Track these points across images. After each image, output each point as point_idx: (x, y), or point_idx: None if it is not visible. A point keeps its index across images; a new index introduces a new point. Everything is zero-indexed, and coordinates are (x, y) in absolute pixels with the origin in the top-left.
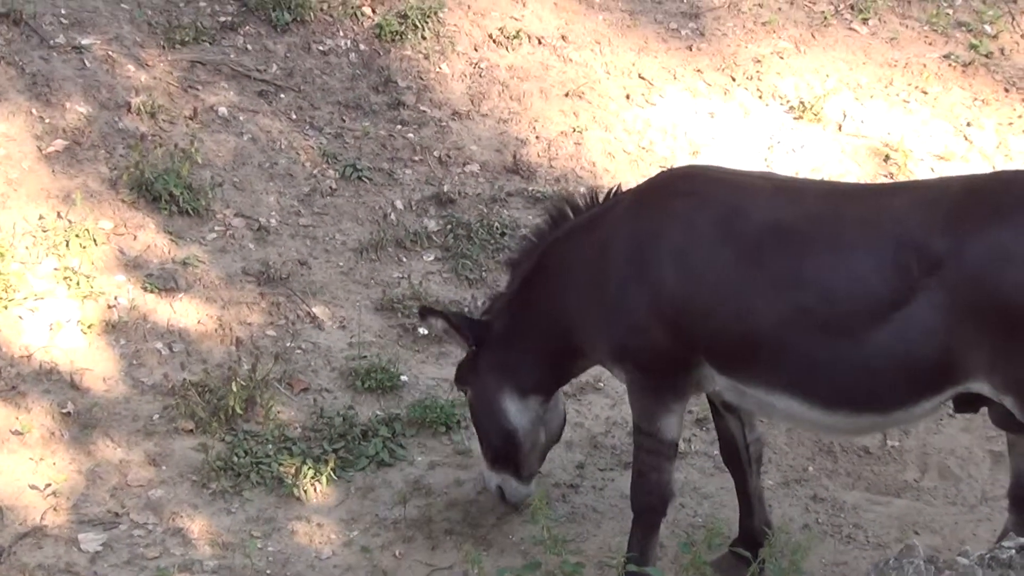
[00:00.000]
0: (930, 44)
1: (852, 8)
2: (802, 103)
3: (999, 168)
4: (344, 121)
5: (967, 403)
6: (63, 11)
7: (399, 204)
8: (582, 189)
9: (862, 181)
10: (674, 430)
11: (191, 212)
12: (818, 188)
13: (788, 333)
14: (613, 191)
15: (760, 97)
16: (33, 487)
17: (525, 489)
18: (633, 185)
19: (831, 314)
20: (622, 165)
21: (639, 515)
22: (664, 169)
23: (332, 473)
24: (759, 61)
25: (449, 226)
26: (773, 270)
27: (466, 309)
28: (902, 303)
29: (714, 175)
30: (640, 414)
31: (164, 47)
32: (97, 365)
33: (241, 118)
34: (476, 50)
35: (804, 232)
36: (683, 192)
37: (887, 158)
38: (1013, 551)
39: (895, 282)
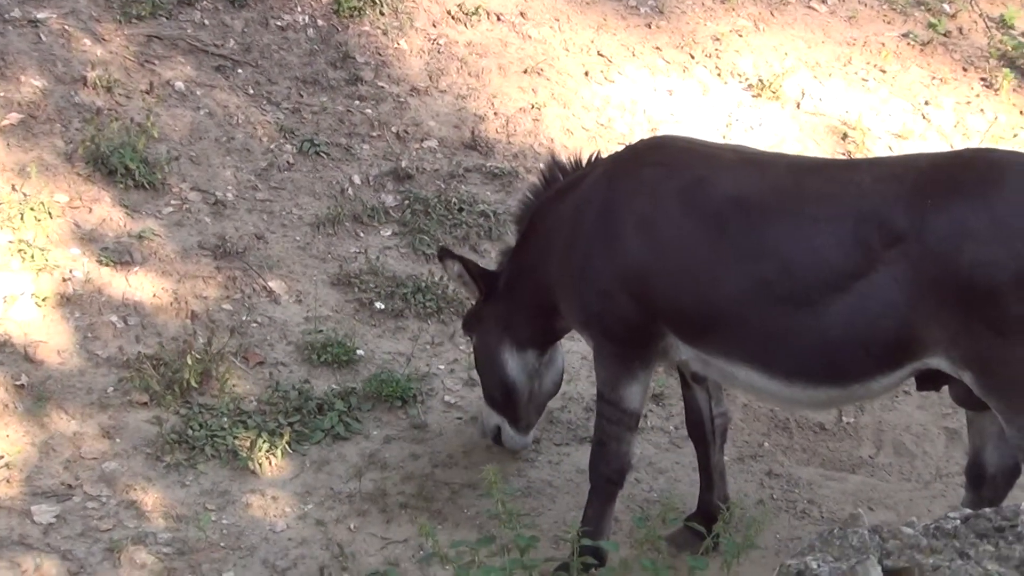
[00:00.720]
0: (889, 23)
1: None
2: (761, 81)
3: (957, 147)
4: (302, 96)
5: (929, 381)
6: None
7: (357, 179)
8: (540, 166)
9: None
10: (637, 400)
11: (147, 186)
12: (785, 161)
13: (748, 304)
14: (593, 156)
15: (719, 75)
16: None
17: (520, 439)
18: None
19: (791, 286)
20: (581, 142)
21: (596, 486)
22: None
23: (287, 446)
24: (718, 39)
25: (407, 201)
26: (734, 241)
27: (423, 284)
28: (862, 276)
29: (685, 146)
30: (604, 382)
31: (120, 21)
32: (51, 338)
33: (198, 93)
34: (435, 26)
35: (767, 204)
36: (652, 162)
37: (845, 136)
38: (958, 521)
39: (856, 255)
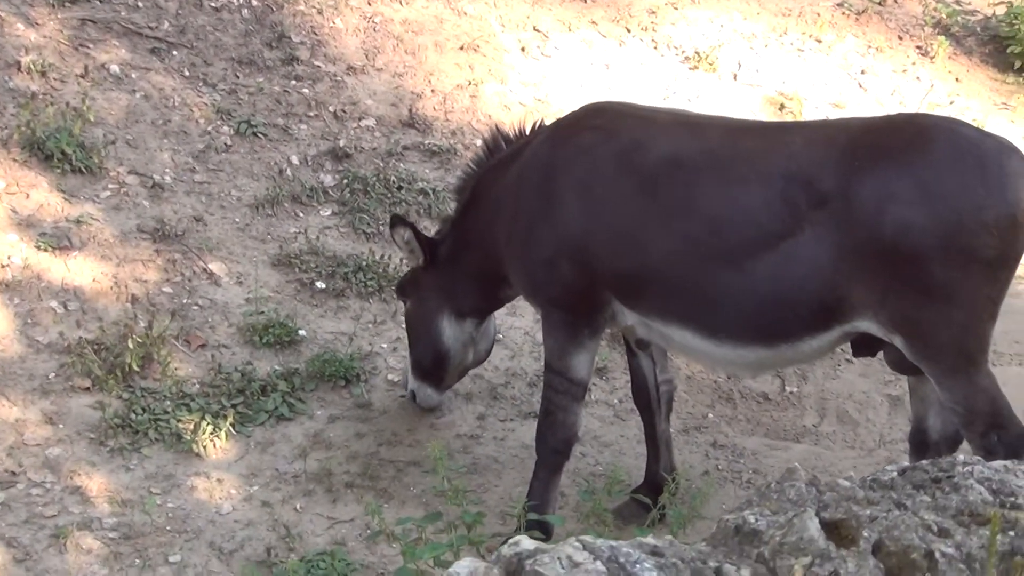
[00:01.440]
0: None
1: None
2: (697, 53)
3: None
4: (238, 77)
5: (865, 346)
6: None
7: (295, 159)
8: (478, 142)
9: None
10: (584, 369)
11: (84, 170)
12: (722, 124)
13: (679, 263)
14: (537, 123)
15: (655, 47)
16: None
17: (437, 397)
18: None
19: (719, 244)
20: (518, 117)
21: (543, 457)
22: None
23: (231, 428)
24: (654, 12)
25: (345, 181)
26: (666, 202)
27: (364, 263)
28: (789, 236)
29: (624, 110)
30: (552, 351)
31: (54, 5)
32: None
33: (133, 76)
34: (370, 4)
35: (698, 164)
36: (591, 126)
37: (782, 106)
38: (895, 473)
39: (783, 215)
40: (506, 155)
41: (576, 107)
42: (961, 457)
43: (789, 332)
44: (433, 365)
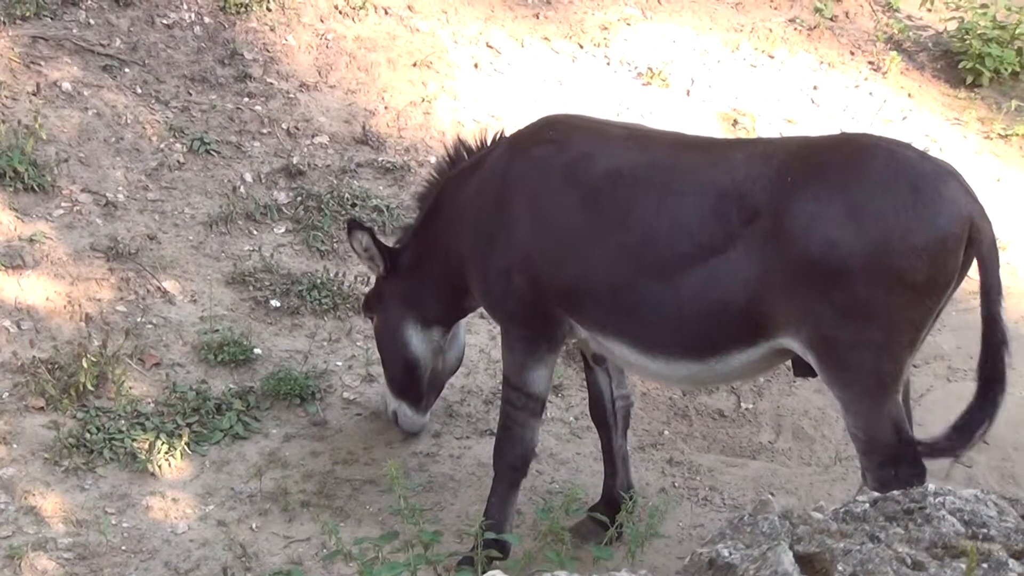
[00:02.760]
0: (775, 8)
1: None
2: (650, 69)
3: (845, 130)
4: (191, 95)
5: (805, 366)
6: None
7: (248, 177)
8: (432, 159)
9: None
10: (542, 384)
11: (37, 188)
12: (669, 139)
13: (615, 277)
14: (498, 135)
15: (608, 63)
16: None
17: (420, 419)
18: None
19: (652, 257)
20: (472, 133)
21: (500, 473)
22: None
23: (186, 447)
24: (606, 28)
25: (299, 198)
26: (606, 214)
27: (319, 280)
28: (720, 251)
29: (577, 123)
30: (510, 365)
31: (4, 22)
32: None
33: (85, 93)
34: (322, 21)
35: (638, 178)
36: (545, 140)
37: (735, 122)
38: (867, 504)
39: (714, 230)
40: (467, 165)
41: (530, 122)
42: (932, 487)
43: (716, 347)
44: (405, 377)
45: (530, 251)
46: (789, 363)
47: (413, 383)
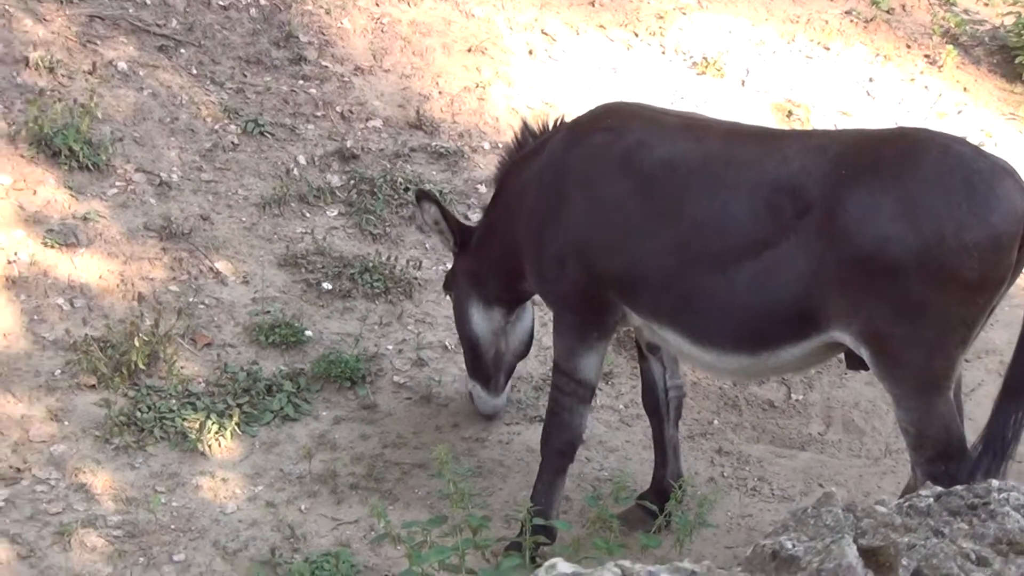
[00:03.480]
0: (832, 0)
1: None
2: (705, 58)
3: (901, 124)
4: (245, 76)
5: (858, 359)
6: None
7: (302, 159)
8: (485, 144)
9: None
10: (592, 371)
11: (91, 167)
12: (724, 129)
13: (669, 266)
14: (559, 120)
15: (663, 52)
16: None
17: (493, 401)
18: None
19: (704, 249)
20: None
21: (547, 459)
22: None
23: (236, 428)
24: (662, 16)
25: (352, 181)
26: (659, 204)
27: (371, 264)
28: (773, 244)
29: (635, 111)
30: (560, 351)
31: (62, 2)
32: None
33: (141, 73)
34: (378, 5)
35: (693, 168)
36: (603, 127)
37: (790, 113)
38: (931, 499)
39: (767, 223)
40: (530, 150)
41: (585, 110)
42: (995, 483)
43: (768, 340)
44: (471, 356)
45: (584, 237)
46: (842, 356)
47: (479, 362)
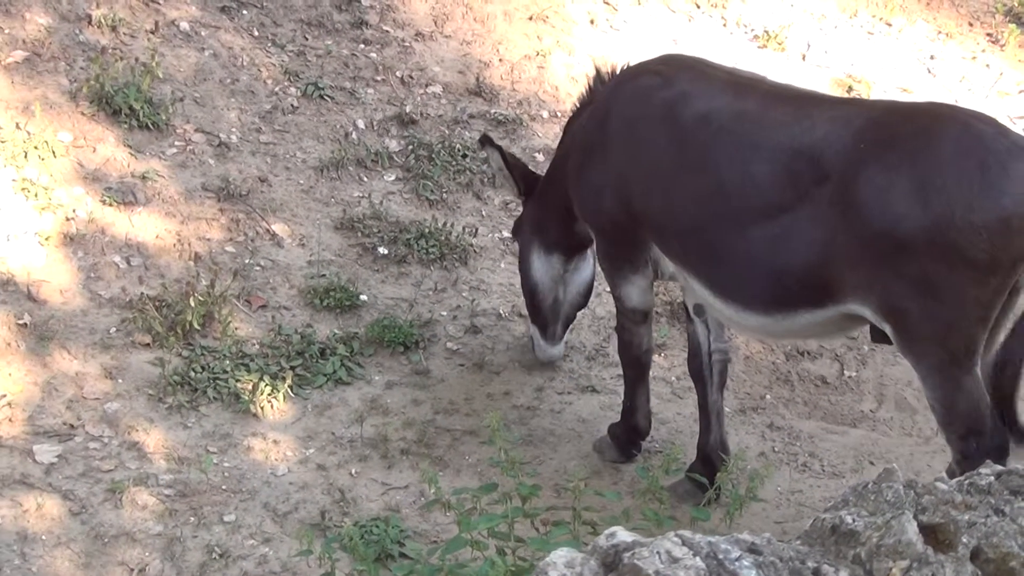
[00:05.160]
0: None
1: None
2: (766, 32)
3: (962, 102)
4: (307, 39)
5: (881, 332)
6: None
7: (361, 123)
8: (544, 113)
9: None
10: (635, 299)
11: (151, 126)
12: (765, 89)
13: (693, 217)
14: (624, 66)
15: (724, 25)
16: None
17: (550, 349)
18: None
19: (723, 206)
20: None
21: (623, 368)
22: None
23: (289, 390)
24: None
25: (410, 147)
26: (688, 156)
27: (427, 230)
28: (788, 209)
29: (689, 63)
30: (606, 277)
31: None
32: (54, 277)
33: (203, 33)
34: None
35: (722, 125)
36: (653, 72)
37: (850, 89)
38: (992, 477)
39: (784, 187)
40: (591, 97)
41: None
42: None
43: (782, 303)
44: (529, 301)
45: (623, 174)
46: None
47: (537, 308)
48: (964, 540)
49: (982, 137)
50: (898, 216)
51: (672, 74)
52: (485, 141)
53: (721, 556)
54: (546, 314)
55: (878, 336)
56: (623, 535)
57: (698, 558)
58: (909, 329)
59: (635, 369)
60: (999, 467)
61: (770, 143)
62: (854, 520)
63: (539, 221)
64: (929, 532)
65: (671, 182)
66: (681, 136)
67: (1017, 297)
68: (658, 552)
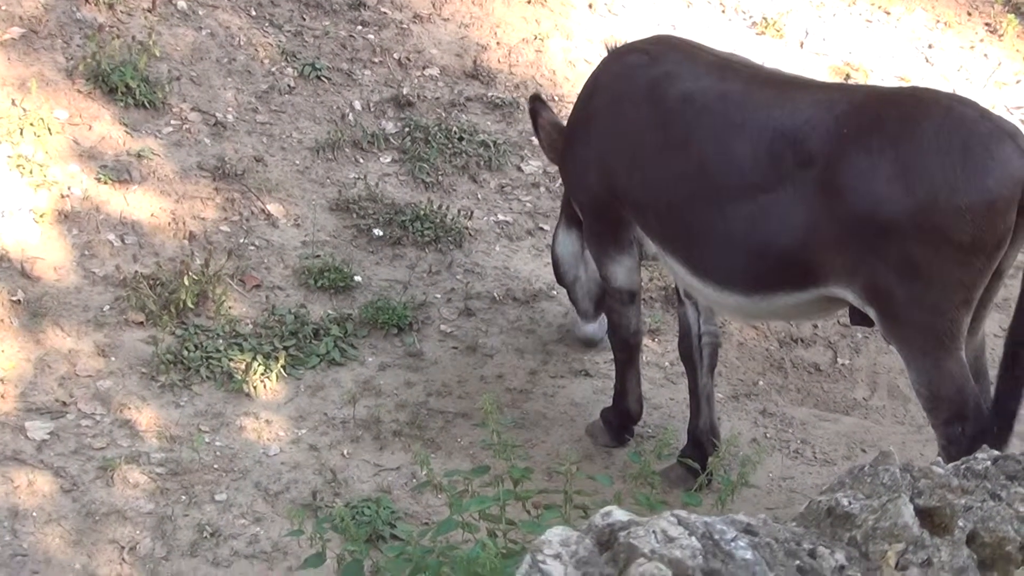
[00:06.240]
0: None
1: None
2: (764, 19)
3: (960, 91)
4: (304, 20)
5: (860, 314)
6: None
7: (357, 105)
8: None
9: None
10: (620, 279)
11: (147, 105)
12: (749, 72)
13: (673, 197)
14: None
15: (723, 11)
16: None
17: (587, 328)
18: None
19: (704, 185)
20: (583, 74)
21: (614, 351)
22: None
23: (282, 370)
24: None
25: (407, 129)
26: (671, 135)
27: (422, 212)
28: (768, 190)
29: (677, 44)
30: (592, 257)
31: None
32: (48, 254)
33: (200, 12)
34: None
35: (705, 105)
36: (641, 51)
37: (848, 77)
38: (988, 462)
39: (766, 168)
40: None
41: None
42: None
43: (762, 284)
44: (557, 277)
45: (606, 150)
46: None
47: (564, 284)
48: (960, 524)
49: (965, 120)
50: (882, 199)
51: (659, 53)
52: (533, 99)
53: (717, 536)
54: (572, 291)
55: (857, 318)
56: (619, 514)
57: (693, 538)
58: (894, 312)
59: (625, 352)
60: (995, 452)
61: (753, 124)
62: (850, 503)
63: (565, 195)
64: (925, 515)
65: (652, 160)
66: (664, 115)
67: (999, 280)
68: (654, 531)
